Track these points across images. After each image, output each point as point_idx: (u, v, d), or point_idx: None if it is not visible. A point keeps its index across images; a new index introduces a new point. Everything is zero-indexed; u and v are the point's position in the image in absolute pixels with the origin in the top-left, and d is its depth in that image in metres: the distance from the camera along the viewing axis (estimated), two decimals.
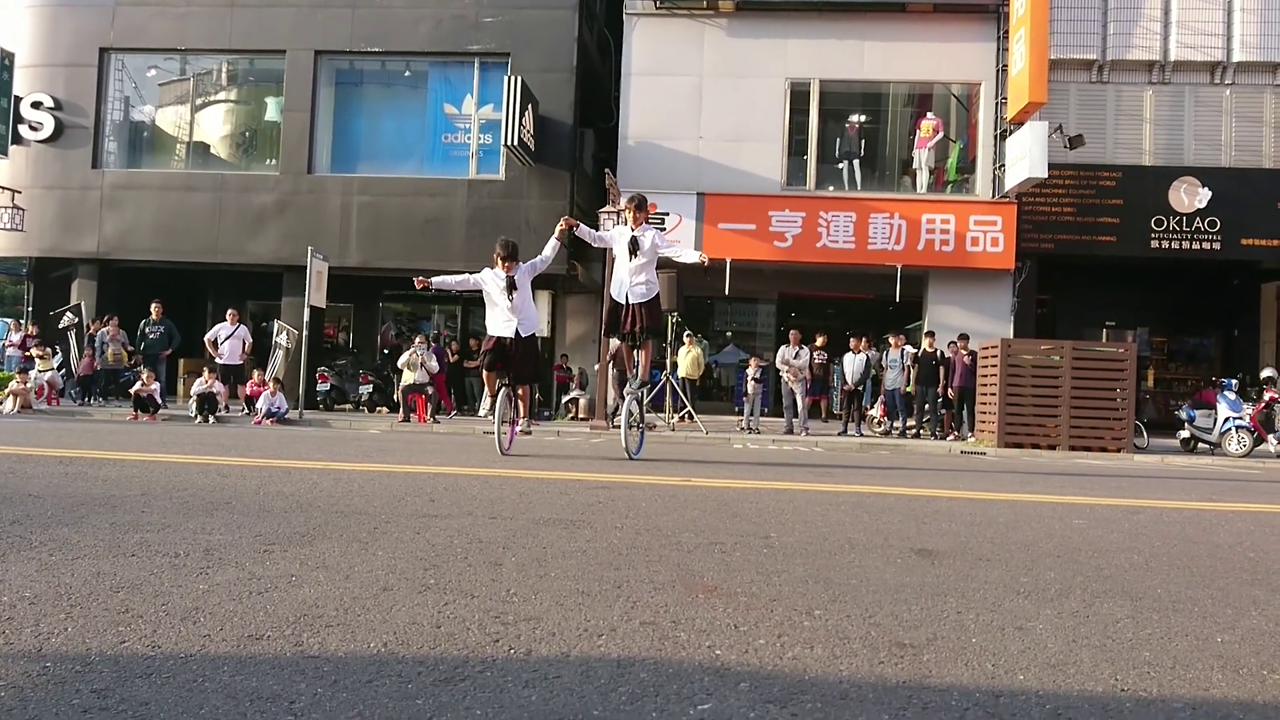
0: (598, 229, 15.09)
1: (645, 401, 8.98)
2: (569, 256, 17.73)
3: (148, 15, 18.99)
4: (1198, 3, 17.41)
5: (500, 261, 8.36)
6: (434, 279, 8.60)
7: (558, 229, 8.45)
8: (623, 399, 8.77)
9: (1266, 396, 14.48)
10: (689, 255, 8.46)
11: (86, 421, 13.34)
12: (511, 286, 8.31)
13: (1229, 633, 2.75)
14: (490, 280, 8.42)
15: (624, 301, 8.10)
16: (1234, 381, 14.30)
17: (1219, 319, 20.62)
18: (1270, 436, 13.69)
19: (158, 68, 19.94)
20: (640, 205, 8.20)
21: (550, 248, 8.52)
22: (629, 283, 8.06)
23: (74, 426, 11.69)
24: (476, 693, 1.99)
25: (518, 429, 9.01)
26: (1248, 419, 13.53)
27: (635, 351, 8.50)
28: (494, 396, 8.82)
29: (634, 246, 7.97)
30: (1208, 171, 17.39)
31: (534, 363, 8.80)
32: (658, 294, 8.27)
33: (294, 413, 15.23)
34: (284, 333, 17.34)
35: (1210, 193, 17.25)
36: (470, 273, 8.74)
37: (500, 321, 8.43)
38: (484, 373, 9.13)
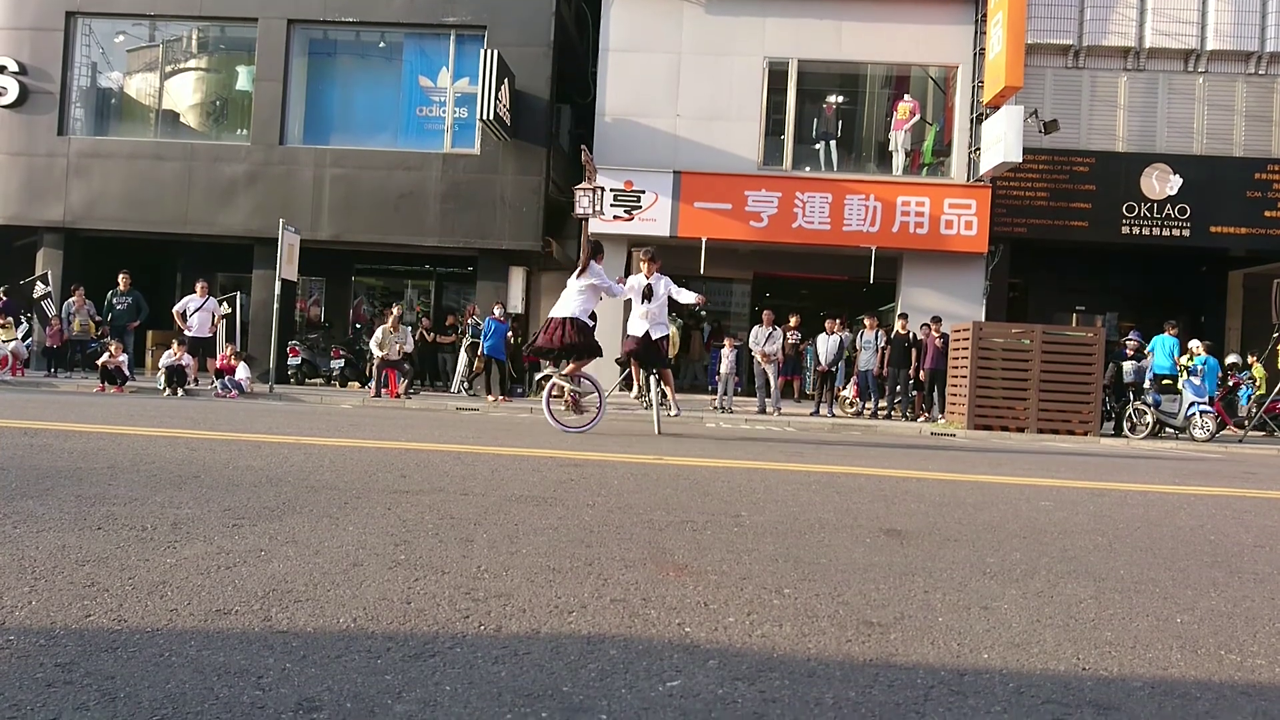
0: (574, 207, 15.14)
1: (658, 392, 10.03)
2: (543, 233, 17.66)
3: None
4: None
5: (592, 260, 9.06)
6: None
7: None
8: (647, 388, 10.06)
9: (1230, 382, 14.71)
10: (687, 297, 9.48)
11: (52, 393, 13.15)
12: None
13: (1188, 614, 2.81)
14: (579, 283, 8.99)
15: (639, 335, 9.43)
16: (1199, 366, 14.49)
17: (1187, 305, 20.88)
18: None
19: (126, 33, 19.51)
20: (653, 258, 9.53)
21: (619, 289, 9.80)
22: (646, 324, 9.39)
23: (39, 398, 11.52)
24: (446, 668, 2.00)
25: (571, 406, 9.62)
26: (1212, 404, 13.74)
27: (652, 375, 9.74)
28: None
29: (648, 292, 9.35)
30: (1179, 159, 17.54)
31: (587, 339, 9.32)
32: (668, 335, 9.90)
33: (264, 386, 15.11)
34: (224, 303, 17.46)
35: (1181, 180, 17.42)
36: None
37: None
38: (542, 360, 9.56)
